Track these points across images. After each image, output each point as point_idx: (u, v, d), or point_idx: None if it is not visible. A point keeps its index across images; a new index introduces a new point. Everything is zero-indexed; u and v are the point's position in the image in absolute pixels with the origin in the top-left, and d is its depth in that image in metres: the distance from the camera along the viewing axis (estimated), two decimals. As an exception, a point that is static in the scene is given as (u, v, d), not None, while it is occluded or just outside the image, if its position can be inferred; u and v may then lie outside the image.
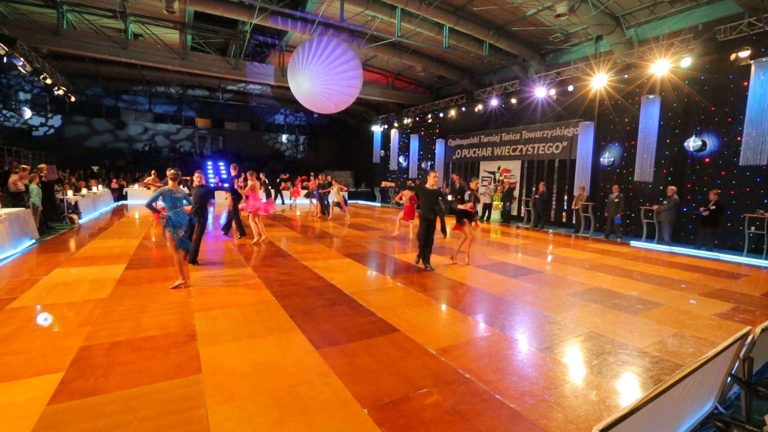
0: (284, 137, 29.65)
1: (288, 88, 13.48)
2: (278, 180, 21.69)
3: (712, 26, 9.76)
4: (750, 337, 2.73)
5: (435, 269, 6.89)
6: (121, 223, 12.09)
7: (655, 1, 10.10)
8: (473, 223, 7.46)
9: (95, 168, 21.07)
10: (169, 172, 5.46)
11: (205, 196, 6.71)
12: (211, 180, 22.78)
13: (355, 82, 10.69)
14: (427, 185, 6.89)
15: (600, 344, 3.94)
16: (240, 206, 9.00)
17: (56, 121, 22.48)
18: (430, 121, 20.17)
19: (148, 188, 13.16)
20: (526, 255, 8.62)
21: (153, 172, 13.27)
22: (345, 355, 3.52)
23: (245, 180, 8.96)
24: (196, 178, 6.77)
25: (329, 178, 15.58)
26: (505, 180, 16.04)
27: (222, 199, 13.42)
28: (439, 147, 19.36)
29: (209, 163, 24.76)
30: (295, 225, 12.50)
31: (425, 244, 6.90)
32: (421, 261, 7.05)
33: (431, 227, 6.88)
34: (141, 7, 12.68)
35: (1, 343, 3.59)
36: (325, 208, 14.56)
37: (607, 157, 12.26)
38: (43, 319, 4.23)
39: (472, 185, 7.97)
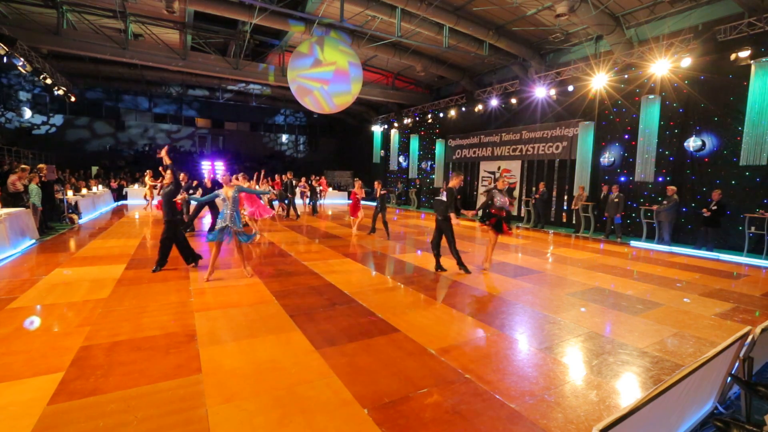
0: (284, 137, 29.66)
1: (288, 88, 13.50)
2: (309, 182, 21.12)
3: (712, 26, 9.76)
4: (750, 337, 2.73)
5: (447, 270, 6.72)
6: (121, 223, 12.09)
7: (655, 1, 10.10)
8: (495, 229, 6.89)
9: (95, 169, 21.06)
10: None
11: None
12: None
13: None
14: (451, 185, 6.74)
15: (600, 344, 3.94)
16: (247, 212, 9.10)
17: (56, 120, 22.49)
18: (430, 121, 20.17)
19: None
20: (526, 255, 8.62)
21: (148, 171, 13.24)
22: (345, 355, 3.52)
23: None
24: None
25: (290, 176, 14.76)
26: (505, 180, 16.02)
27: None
28: (439, 147, 19.36)
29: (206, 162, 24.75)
30: (294, 225, 12.50)
31: (437, 248, 6.73)
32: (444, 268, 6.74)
33: (443, 230, 6.63)
34: (141, 7, 12.68)
35: (1, 343, 3.59)
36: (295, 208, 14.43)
37: (607, 157, 12.26)
38: (43, 318, 4.23)
39: (499, 185, 7.17)
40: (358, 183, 10.78)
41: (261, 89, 22.46)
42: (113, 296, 4.99)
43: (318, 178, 18.67)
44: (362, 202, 10.65)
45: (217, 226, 5.75)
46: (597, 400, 2.93)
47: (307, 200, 17.33)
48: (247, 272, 6.09)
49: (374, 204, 10.66)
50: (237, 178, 9.12)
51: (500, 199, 6.84)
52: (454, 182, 6.78)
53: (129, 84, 22.24)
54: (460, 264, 6.66)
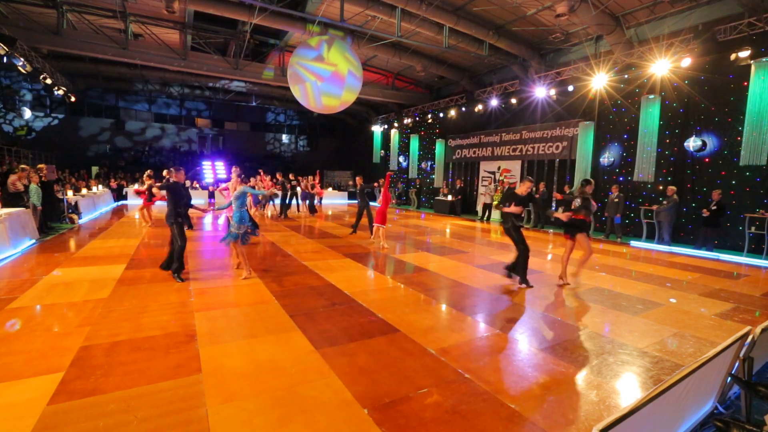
0: (284, 137, 29.66)
1: (288, 88, 13.50)
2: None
3: (712, 26, 9.76)
4: (750, 337, 2.73)
5: (532, 285, 6.00)
6: (121, 223, 12.09)
7: (655, 1, 10.10)
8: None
9: (95, 169, 21.06)
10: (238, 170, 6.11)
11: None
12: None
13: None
14: (520, 191, 6.12)
15: (600, 344, 3.94)
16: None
17: (56, 121, 22.49)
18: (430, 121, 20.17)
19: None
20: (526, 255, 8.61)
21: (149, 171, 13.24)
22: (345, 355, 3.53)
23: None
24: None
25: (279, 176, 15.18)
26: (505, 180, 16.03)
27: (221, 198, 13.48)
28: (439, 147, 19.36)
29: (206, 162, 24.78)
30: (294, 225, 12.50)
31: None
32: (518, 277, 6.06)
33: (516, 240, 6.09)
34: (141, 7, 12.68)
35: (1, 343, 3.59)
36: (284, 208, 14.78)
37: (607, 157, 12.26)
38: (43, 319, 4.23)
39: (588, 189, 6.14)
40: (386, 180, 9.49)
41: (261, 89, 22.40)
42: (113, 296, 4.99)
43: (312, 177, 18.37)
44: (351, 201, 10.36)
45: (241, 230, 5.85)
46: (597, 400, 2.93)
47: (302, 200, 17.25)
48: (247, 271, 6.10)
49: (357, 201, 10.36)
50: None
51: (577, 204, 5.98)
52: (524, 188, 6.17)
53: (129, 84, 22.23)
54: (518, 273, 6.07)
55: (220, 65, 15.66)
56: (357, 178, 10.44)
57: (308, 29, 12.62)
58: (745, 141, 9.07)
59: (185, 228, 5.96)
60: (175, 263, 5.78)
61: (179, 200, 5.77)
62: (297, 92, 11.94)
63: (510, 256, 8.50)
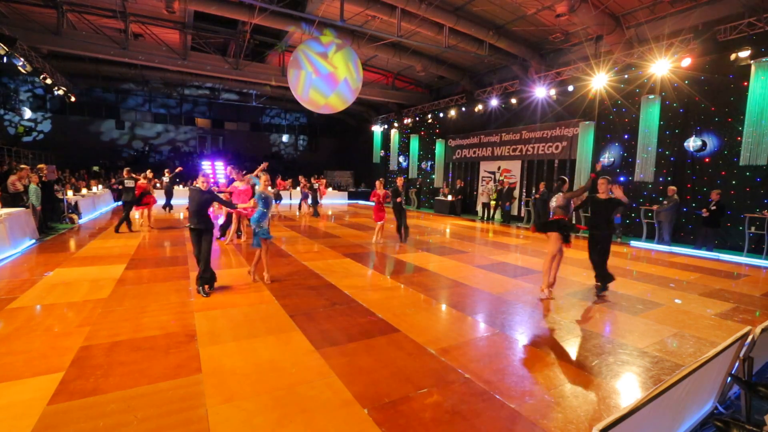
0: (284, 137, 29.65)
1: (288, 88, 13.50)
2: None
3: (712, 26, 9.76)
4: (750, 337, 2.73)
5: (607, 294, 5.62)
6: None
7: (655, 1, 10.10)
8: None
9: (96, 168, 21.05)
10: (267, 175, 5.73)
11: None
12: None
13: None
14: (601, 195, 5.42)
15: (600, 344, 3.94)
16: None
17: (56, 121, 22.49)
18: (430, 121, 20.17)
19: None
20: (526, 255, 8.62)
21: (149, 171, 13.24)
22: (345, 355, 3.52)
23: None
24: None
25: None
26: (505, 180, 16.04)
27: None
28: (439, 147, 19.36)
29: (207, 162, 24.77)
30: (294, 225, 12.50)
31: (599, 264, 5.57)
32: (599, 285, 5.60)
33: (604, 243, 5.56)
34: (141, 7, 12.68)
35: (1, 343, 3.59)
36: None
37: (607, 157, 12.26)
38: (43, 318, 4.22)
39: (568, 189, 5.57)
40: (379, 183, 9.69)
41: (261, 89, 22.38)
42: (113, 296, 4.99)
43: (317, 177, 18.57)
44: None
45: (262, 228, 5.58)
46: (597, 400, 2.93)
47: (309, 201, 17.32)
48: (252, 273, 5.92)
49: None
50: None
51: (559, 201, 5.46)
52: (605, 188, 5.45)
53: (129, 84, 22.24)
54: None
55: (220, 65, 15.66)
56: (398, 180, 9.75)
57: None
58: (745, 141, 9.07)
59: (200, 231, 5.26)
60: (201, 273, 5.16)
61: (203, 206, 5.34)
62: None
63: (509, 256, 8.52)
